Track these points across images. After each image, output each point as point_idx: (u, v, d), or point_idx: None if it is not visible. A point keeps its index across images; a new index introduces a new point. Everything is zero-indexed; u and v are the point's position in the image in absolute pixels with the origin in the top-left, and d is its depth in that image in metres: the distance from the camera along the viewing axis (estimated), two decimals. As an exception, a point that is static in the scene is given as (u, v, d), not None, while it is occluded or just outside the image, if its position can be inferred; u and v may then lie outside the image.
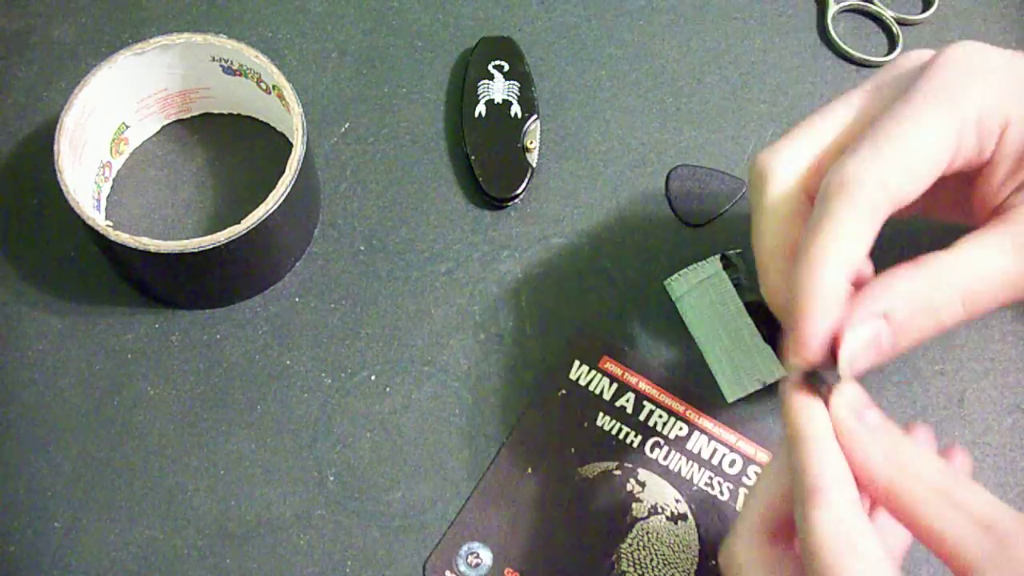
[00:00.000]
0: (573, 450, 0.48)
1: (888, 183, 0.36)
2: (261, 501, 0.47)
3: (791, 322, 0.36)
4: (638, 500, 0.47)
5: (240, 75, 0.51)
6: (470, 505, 0.47)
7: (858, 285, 0.37)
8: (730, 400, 0.48)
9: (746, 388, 0.48)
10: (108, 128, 0.51)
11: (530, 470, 0.47)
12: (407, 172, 0.53)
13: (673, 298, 0.50)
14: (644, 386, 0.49)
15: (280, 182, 0.47)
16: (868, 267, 0.40)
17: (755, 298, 0.50)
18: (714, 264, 0.49)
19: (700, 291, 0.49)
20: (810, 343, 0.36)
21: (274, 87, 0.49)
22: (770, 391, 0.48)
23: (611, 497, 0.47)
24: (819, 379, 0.36)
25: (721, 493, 0.47)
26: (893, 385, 0.49)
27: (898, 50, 0.57)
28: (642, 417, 0.48)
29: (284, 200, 0.47)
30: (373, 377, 0.49)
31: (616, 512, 0.46)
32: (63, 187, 0.46)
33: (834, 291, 0.36)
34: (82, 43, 0.56)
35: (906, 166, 0.36)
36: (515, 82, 0.54)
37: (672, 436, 0.48)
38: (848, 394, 0.35)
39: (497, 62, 0.54)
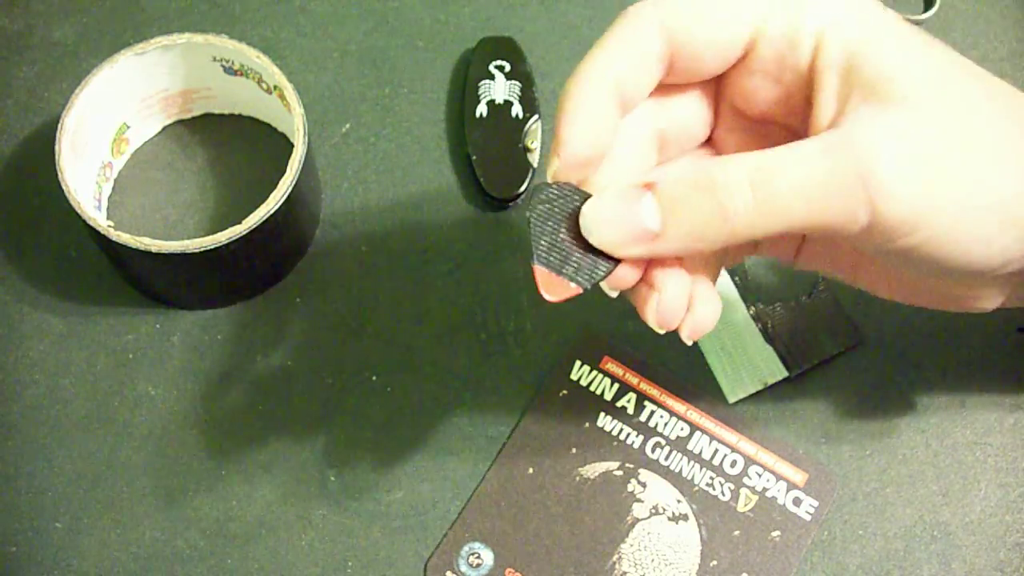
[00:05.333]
0: (574, 450, 0.47)
1: (672, 15, 0.36)
2: (262, 501, 0.47)
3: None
4: (639, 500, 0.47)
5: (241, 75, 0.51)
6: (471, 505, 0.47)
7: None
8: (731, 401, 0.48)
9: (747, 388, 0.48)
10: (109, 128, 0.51)
11: (531, 470, 0.47)
12: (408, 172, 0.53)
13: (674, 298, 0.50)
14: (645, 386, 0.49)
15: (281, 182, 0.47)
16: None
17: (756, 298, 0.50)
18: (715, 264, 0.49)
19: (701, 291, 0.49)
20: (563, 142, 0.36)
21: (275, 87, 0.49)
22: (772, 392, 0.48)
23: (612, 497, 0.47)
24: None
25: (722, 494, 0.47)
26: (894, 385, 0.49)
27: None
28: (643, 417, 0.48)
29: (285, 200, 0.47)
30: (374, 377, 0.49)
31: (617, 512, 0.46)
32: (64, 187, 0.46)
33: (593, 98, 0.36)
34: (83, 43, 0.56)
35: (695, 10, 0.36)
36: (516, 82, 0.54)
37: (673, 436, 0.48)
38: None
39: (498, 62, 0.54)
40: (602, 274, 0.36)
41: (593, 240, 0.36)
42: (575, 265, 0.36)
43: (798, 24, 0.36)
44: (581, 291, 0.36)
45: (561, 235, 0.37)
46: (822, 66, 0.36)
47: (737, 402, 0.48)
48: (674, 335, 0.38)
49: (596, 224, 0.36)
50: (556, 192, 0.37)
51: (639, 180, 0.36)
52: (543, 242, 0.36)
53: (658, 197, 0.35)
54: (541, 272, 0.36)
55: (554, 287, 0.36)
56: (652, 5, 0.37)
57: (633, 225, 0.35)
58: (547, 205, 0.37)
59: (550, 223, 0.37)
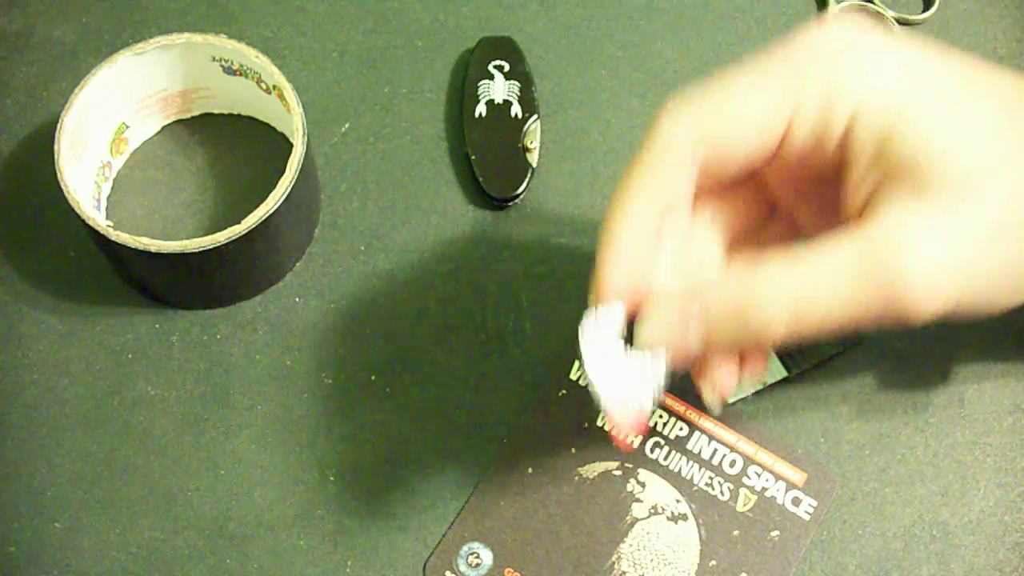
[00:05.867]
0: (573, 450, 0.48)
1: (704, 122, 0.37)
2: (261, 501, 0.47)
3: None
4: (638, 500, 0.47)
5: (240, 75, 0.51)
6: (470, 505, 0.47)
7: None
8: (730, 400, 0.48)
9: (746, 388, 0.48)
10: (108, 128, 0.51)
11: (530, 470, 0.47)
12: (408, 172, 0.53)
13: (673, 298, 0.50)
14: (644, 386, 0.49)
15: (280, 182, 0.47)
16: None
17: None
18: (714, 264, 0.49)
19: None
20: (603, 284, 0.37)
21: (274, 87, 0.49)
22: (771, 392, 0.48)
23: (611, 497, 0.47)
24: None
25: (721, 493, 0.47)
26: (893, 385, 0.49)
27: (898, 50, 0.56)
28: (642, 417, 0.48)
29: (284, 200, 0.47)
30: (373, 377, 0.49)
31: (616, 512, 0.46)
32: (63, 187, 0.46)
33: (632, 227, 0.37)
34: (82, 43, 0.56)
35: (727, 112, 0.37)
36: (515, 82, 0.54)
37: (672, 436, 0.48)
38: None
39: (497, 62, 0.54)
40: (659, 388, 0.38)
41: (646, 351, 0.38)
42: (637, 388, 0.38)
43: (831, 108, 0.36)
44: (651, 413, 0.39)
45: (615, 365, 0.38)
46: (854, 149, 0.36)
47: (736, 402, 0.48)
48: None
49: (648, 344, 0.38)
50: (604, 318, 0.38)
51: (684, 293, 0.37)
52: (601, 378, 0.38)
53: (702, 318, 0.36)
54: (613, 408, 0.38)
55: (626, 419, 0.38)
56: (686, 109, 0.37)
57: (680, 344, 0.37)
58: (594, 345, 0.38)
59: (601, 357, 0.38)
